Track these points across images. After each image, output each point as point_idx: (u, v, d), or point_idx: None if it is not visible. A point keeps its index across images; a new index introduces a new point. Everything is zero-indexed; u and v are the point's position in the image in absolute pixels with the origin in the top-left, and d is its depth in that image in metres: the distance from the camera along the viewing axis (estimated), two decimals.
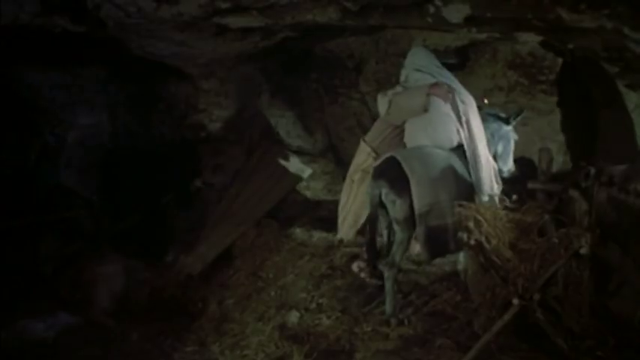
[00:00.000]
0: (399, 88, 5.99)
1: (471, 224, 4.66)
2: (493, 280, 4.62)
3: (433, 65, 6.02)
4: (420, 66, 5.96)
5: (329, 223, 7.53)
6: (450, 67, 6.15)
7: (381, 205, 5.36)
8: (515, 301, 4.34)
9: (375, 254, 5.61)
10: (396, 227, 5.32)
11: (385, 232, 5.70)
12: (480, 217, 4.67)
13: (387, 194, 5.25)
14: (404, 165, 5.17)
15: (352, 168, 6.31)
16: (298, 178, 8.45)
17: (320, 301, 5.97)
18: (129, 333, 6.08)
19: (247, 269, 7.18)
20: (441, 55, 6.36)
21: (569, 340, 4.28)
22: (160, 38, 6.84)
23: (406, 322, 5.20)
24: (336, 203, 7.43)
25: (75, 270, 6.73)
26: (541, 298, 4.34)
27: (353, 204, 6.26)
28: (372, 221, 5.52)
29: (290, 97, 9.46)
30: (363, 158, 6.13)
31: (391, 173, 5.24)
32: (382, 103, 6.00)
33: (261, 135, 9.07)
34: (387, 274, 5.32)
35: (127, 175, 9.02)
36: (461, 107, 5.68)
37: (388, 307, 5.30)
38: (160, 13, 5.90)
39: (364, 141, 6.21)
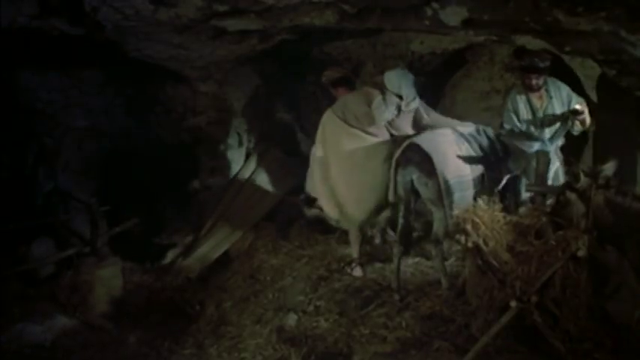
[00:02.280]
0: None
1: (469, 227, 4.67)
2: (491, 282, 4.62)
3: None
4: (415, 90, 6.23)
5: (327, 225, 7.54)
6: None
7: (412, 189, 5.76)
8: (513, 304, 4.35)
9: (410, 240, 5.97)
10: (432, 207, 5.72)
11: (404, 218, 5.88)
12: (477, 220, 4.68)
13: (418, 178, 5.65)
14: (425, 148, 5.54)
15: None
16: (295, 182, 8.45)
17: (318, 303, 5.97)
18: (126, 336, 6.08)
19: (245, 272, 7.18)
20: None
21: (566, 342, 4.29)
22: (157, 41, 6.84)
23: (404, 324, 5.22)
24: None
25: (73, 273, 6.71)
26: (539, 301, 4.35)
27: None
28: (407, 207, 5.81)
29: (288, 100, 9.46)
30: None
31: (417, 158, 5.64)
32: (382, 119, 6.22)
33: (259, 137, 9.08)
34: (434, 251, 5.80)
35: (125, 177, 9.02)
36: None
37: (444, 283, 5.69)
38: (157, 15, 5.90)
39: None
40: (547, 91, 6.05)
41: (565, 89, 6.08)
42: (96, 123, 9.19)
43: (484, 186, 5.71)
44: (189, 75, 8.40)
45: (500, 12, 5.31)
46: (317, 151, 6.47)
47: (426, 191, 5.66)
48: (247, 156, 8.90)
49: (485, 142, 5.86)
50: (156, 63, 7.69)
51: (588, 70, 6.68)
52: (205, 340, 5.91)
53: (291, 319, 5.76)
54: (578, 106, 5.87)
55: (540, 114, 6.03)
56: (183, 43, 6.91)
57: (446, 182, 5.44)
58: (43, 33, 6.17)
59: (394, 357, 4.79)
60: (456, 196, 5.44)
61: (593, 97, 6.72)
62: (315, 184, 6.65)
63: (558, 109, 6.01)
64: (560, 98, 6.05)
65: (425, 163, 5.55)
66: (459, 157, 5.61)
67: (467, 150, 5.71)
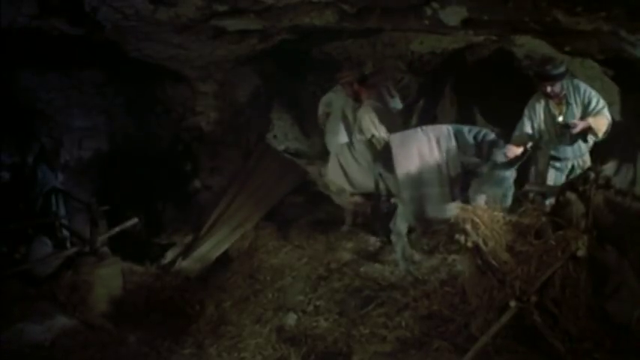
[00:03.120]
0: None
1: (468, 226, 4.67)
2: (490, 282, 4.62)
3: None
4: None
5: (327, 225, 7.55)
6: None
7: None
8: (513, 304, 4.35)
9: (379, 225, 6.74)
10: (396, 201, 6.25)
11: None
12: (477, 220, 4.68)
13: (383, 172, 6.29)
14: (391, 143, 6.16)
15: None
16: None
17: (317, 303, 5.97)
18: (126, 335, 6.06)
19: (245, 272, 7.18)
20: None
21: (566, 342, 4.28)
22: (157, 41, 6.84)
23: (403, 324, 5.22)
24: (333, 205, 7.47)
25: (72, 273, 6.71)
26: (538, 301, 4.35)
27: None
28: (376, 197, 6.53)
29: (287, 100, 9.46)
30: None
31: (385, 155, 6.25)
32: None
33: (259, 137, 9.08)
34: (394, 240, 6.24)
35: (125, 177, 9.02)
36: None
37: (402, 265, 6.17)
38: (157, 15, 5.91)
39: None
40: (567, 96, 5.88)
41: (586, 92, 5.84)
42: (96, 123, 9.20)
43: (462, 187, 5.88)
44: (189, 75, 8.41)
45: (500, 12, 5.32)
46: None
47: (390, 185, 6.19)
48: (247, 156, 8.90)
49: (470, 143, 5.91)
50: (156, 63, 7.70)
51: (588, 71, 6.69)
52: (205, 340, 5.90)
53: (291, 319, 5.76)
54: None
55: (560, 120, 5.87)
56: (183, 42, 6.92)
57: (403, 177, 5.93)
58: (42, 33, 6.17)
59: (394, 357, 4.78)
60: (413, 192, 5.94)
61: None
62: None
63: (578, 115, 5.84)
64: (580, 103, 5.85)
65: (388, 158, 6.09)
66: (428, 155, 5.96)
67: (450, 149, 5.91)
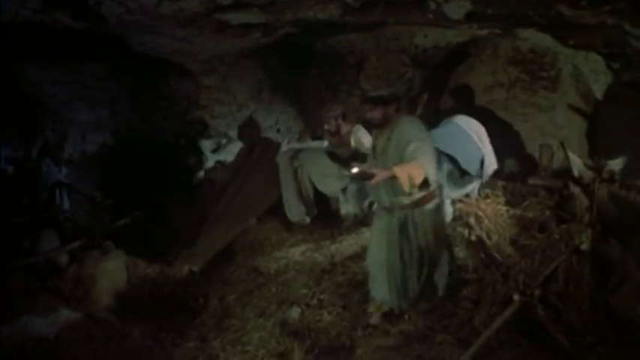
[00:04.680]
0: None
1: (472, 220, 4.68)
2: (494, 276, 4.63)
3: None
4: None
5: (330, 218, 7.55)
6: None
7: None
8: (516, 297, 4.35)
9: None
10: None
11: None
12: (480, 213, 4.69)
13: None
14: None
15: None
16: None
17: (321, 297, 5.97)
18: (130, 329, 6.07)
19: (248, 265, 7.18)
20: None
21: (569, 336, 4.29)
22: (161, 34, 6.84)
23: (406, 317, 5.22)
24: (336, 198, 7.47)
25: (77, 266, 6.72)
26: (542, 294, 4.35)
27: None
28: None
29: (291, 94, 9.46)
30: None
31: None
32: None
33: (262, 131, 9.09)
34: None
35: (128, 171, 9.03)
36: None
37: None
38: (161, 9, 5.91)
39: None
40: (390, 130, 4.88)
41: (409, 133, 4.76)
42: (100, 117, 9.22)
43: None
44: (192, 68, 8.41)
45: (504, 5, 5.32)
46: None
47: None
48: (251, 149, 8.90)
49: None
50: (159, 57, 7.70)
51: (592, 64, 6.67)
52: (209, 334, 5.91)
53: (295, 313, 5.76)
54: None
55: (353, 171, 4.85)
56: (187, 36, 6.91)
57: None
58: (46, 27, 6.18)
59: (397, 350, 4.78)
60: None
61: (597, 91, 6.71)
62: None
63: (392, 157, 4.81)
64: (400, 143, 4.77)
65: None
66: None
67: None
